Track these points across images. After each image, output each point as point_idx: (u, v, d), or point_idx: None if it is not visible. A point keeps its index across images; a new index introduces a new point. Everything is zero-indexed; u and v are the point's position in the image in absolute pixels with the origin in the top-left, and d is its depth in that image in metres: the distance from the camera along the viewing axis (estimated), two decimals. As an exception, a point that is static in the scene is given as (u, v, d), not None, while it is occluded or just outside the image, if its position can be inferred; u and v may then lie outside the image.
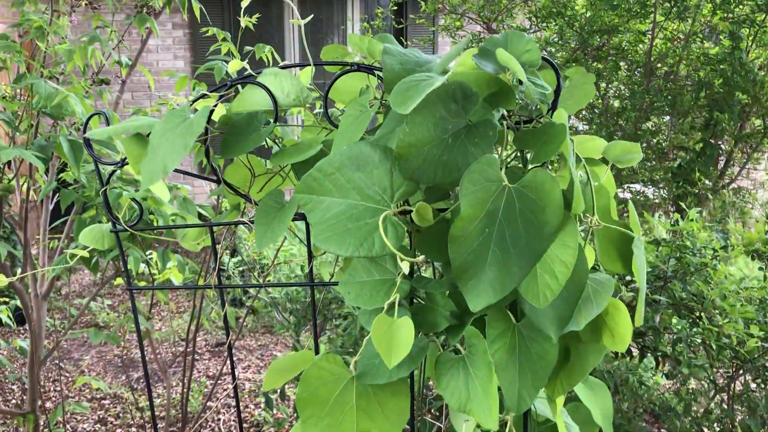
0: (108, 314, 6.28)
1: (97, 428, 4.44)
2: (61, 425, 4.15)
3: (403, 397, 1.01)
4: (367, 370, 0.99)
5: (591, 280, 0.96)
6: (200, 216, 2.34)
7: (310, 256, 1.23)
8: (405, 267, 0.87)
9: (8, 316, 3.27)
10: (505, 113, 1.02)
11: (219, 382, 5.10)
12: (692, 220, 2.01)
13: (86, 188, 2.73)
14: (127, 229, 1.29)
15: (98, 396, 4.95)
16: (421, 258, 0.88)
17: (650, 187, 4.47)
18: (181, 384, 2.64)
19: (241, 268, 7.00)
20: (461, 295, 1.03)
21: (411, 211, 0.95)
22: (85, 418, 4.57)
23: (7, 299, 3.21)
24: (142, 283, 3.36)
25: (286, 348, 5.85)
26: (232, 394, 4.94)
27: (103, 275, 3.13)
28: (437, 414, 2.06)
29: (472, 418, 1.05)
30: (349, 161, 0.96)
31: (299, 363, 1.07)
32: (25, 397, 4.85)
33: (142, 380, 5.22)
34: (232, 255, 7.88)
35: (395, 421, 1.01)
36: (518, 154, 1.04)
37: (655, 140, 4.43)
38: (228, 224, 1.26)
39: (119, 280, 3.40)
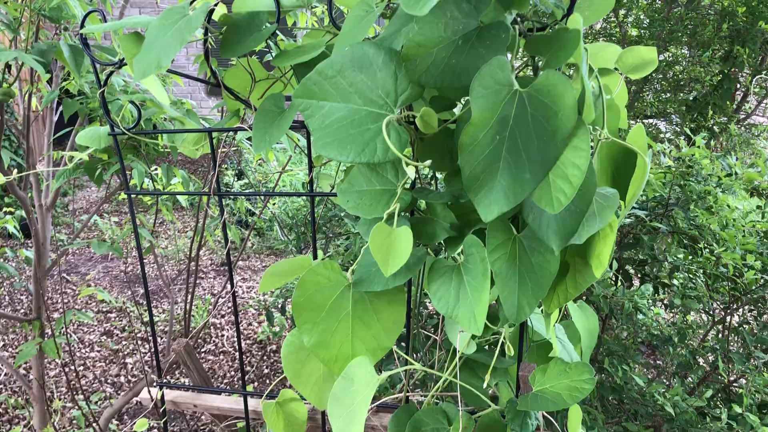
0: (113, 231, 6.33)
1: (102, 339, 4.54)
2: (65, 333, 4.25)
3: (399, 307, 1.01)
4: (363, 278, 0.99)
5: (597, 195, 0.93)
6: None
7: (311, 167, 1.21)
8: (410, 171, 0.84)
9: (14, 227, 3.29)
10: (518, 18, 0.97)
11: (222, 299, 5.18)
12: (698, 146, 1.96)
13: (89, 99, 2.69)
14: (125, 132, 1.26)
15: (104, 309, 5.05)
16: (427, 163, 0.86)
17: (663, 120, 4.38)
18: (184, 301, 2.68)
19: (247, 191, 7.01)
20: (461, 207, 1.02)
21: (414, 117, 0.92)
22: (92, 329, 4.68)
23: (12, 209, 3.21)
24: (147, 199, 3.36)
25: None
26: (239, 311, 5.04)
27: (108, 189, 3.12)
28: (433, 330, 2.08)
29: (465, 329, 1.05)
30: (351, 63, 0.92)
31: (296, 268, 1.06)
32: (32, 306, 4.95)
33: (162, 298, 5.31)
34: (239, 177, 7.88)
35: (390, 329, 1.00)
36: (529, 64, 0.99)
37: (671, 72, 4.31)
38: (226, 130, 1.23)
39: (124, 195, 3.40)
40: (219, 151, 1.25)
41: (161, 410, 1.33)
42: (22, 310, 4.94)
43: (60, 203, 7.66)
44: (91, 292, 3.00)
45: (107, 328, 4.70)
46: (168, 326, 4.66)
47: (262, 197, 6.44)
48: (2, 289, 5.20)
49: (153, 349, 1.30)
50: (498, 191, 0.83)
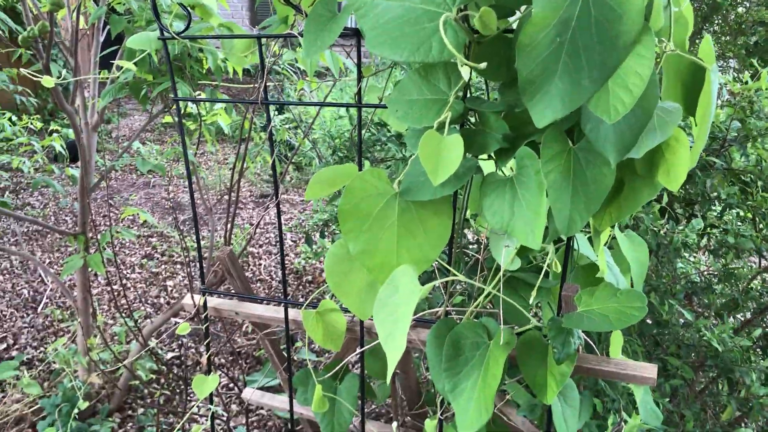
0: (157, 159, 6.42)
1: (143, 262, 4.66)
2: (111, 247, 4.36)
3: (445, 218, 0.99)
4: (411, 187, 0.97)
5: (659, 108, 0.89)
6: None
7: (359, 77, 1.18)
8: (465, 72, 0.81)
9: (61, 145, 3.36)
10: None
11: (261, 229, 5.25)
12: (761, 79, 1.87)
13: (136, 17, 2.68)
14: (174, 36, 1.24)
15: (145, 234, 5.17)
16: (483, 65, 0.83)
17: (720, 61, 4.20)
18: (224, 228, 2.71)
19: (287, 126, 6.99)
20: (515, 118, 0.98)
21: (471, 17, 0.88)
22: (133, 252, 4.80)
23: (59, 128, 3.26)
24: (190, 123, 3.37)
25: (323, 201, 5.94)
26: (273, 242, 5.10)
27: (151, 111, 3.13)
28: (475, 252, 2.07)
29: (512, 245, 1.03)
30: (409, -41, 0.88)
31: (342, 176, 1.05)
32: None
33: (187, 222, 5.40)
34: (279, 112, 7.86)
35: (435, 241, 0.99)
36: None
37: (733, 14, 4.10)
38: (276, 36, 1.21)
39: (168, 118, 3.42)
40: (268, 60, 1.23)
41: (203, 316, 1.36)
42: (67, 229, 5.08)
43: (104, 130, 7.78)
44: (134, 212, 3.06)
45: (148, 252, 4.82)
46: (207, 252, 4.76)
47: (302, 130, 6.43)
48: (47, 209, 5.35)
49: (198, 257, 1.31)
50: (554, 96, 0.80)
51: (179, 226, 5.20)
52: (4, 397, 3.18)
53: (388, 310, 0.95)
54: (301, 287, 4.41)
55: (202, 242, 4.94)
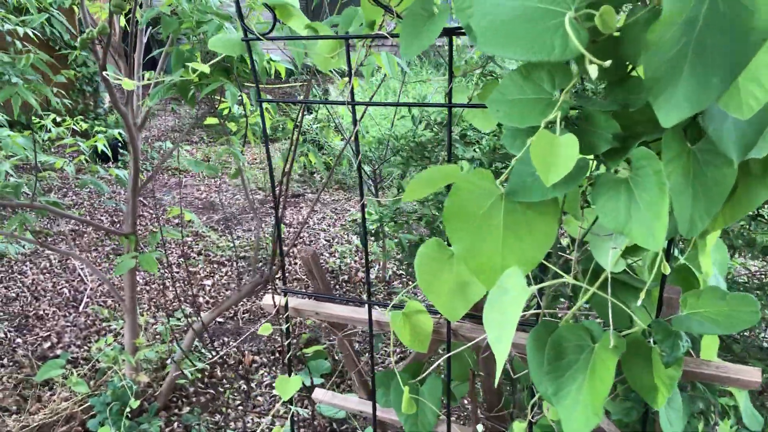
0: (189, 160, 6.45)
1: (180, 261, 4.69)
2: (161, 247, 4.40)
3: (552, 220, 0.98)
4: (518, 188, 0.96)
5: (781, 107, 0.87)
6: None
7: (451, 76, 1.17)
8: (593, 71, 0.80)
9: (104, 145, 3.38)
10: None
11: (294, 229, 5.26)
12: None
13: (184, 18, 2.69)
14: (260, 37, 1.24)
15: (190, 237, 5.20)
16: (608, 63, 0.81)
17: None
18: (259, 229, 2.73)
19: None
20: (626, 117, 0.97)
21: (592, 16, 0.87)
22: (170, 251, 4.83)
23: (104, 129, 3.29)
24: (232, 125, 3.38)
25: (358, 202, 5.94)
26: (307, 242, 5.11)
27: (197, 115, 3.13)
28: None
29: (619, 247, 1.02)
30: (525, -43, 0.87)
31: (444, 176, 1.04)
32: (117, 223, 5.12)
33: (221, 222, 5.43)
34: (309, 112, 7.87)
35: (541, 242, 0.98)
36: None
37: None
38: (365, 36, 1.20)
39: (210, 120, 3.44)
40: (355, 63, 1.22)
41: (284, 316, 1.36)
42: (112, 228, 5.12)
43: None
44: (179, 212, 3.08)
45: (184, 250, 4.85)
46: (248, 252, 4.78)
47: (338, 130, 6.42)
48: (82, 208, 5.40)
49: (279, 255, 1.31)
50: (680, 96, 0.78)
51: (212, 226, 5.23)
52: (52, 395, 3.21)
53: (497, 311, 0.94)
54: (337, 286, 4.41)
55: (237, 242, 4.96)
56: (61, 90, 5.60)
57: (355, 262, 4.77)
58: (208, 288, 4.35)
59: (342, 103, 1.21)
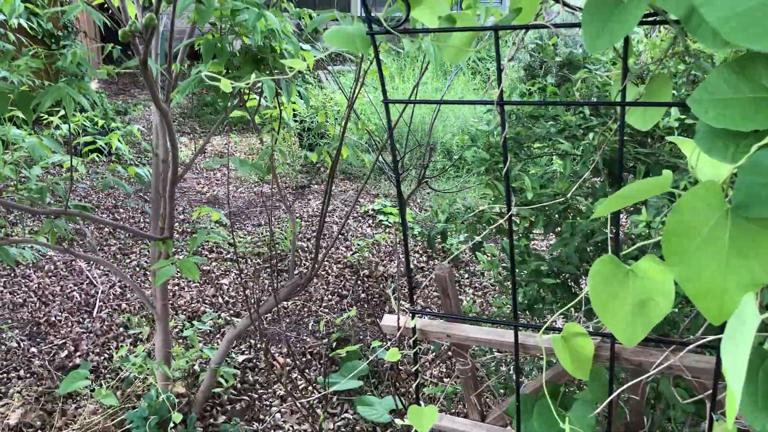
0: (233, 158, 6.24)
1: (210, 256, 4.53)
2: (205, 257, 4.24)
3: (780, 236, 0.86)
4: (750, 202, 0.83)
5: None
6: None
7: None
8: None
9: (118, 139, 3.19)
10: None
11: (306, 222, 5.12)
12: None
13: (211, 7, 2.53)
14: (390, 30, 1.10)
15: (188, 230, 5.02)
16: None
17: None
18: (268, 223, 2.59)
19: (311, 113, 6.79)
20: None
21: None
22: (179, 249, 4.65)
23: (122, 125, 3.10)
24: (258, 120, 3.22)
25: (368, 194, 5.81)
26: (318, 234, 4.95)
27: (224, 117, 2.96)
28: None
29: None
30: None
31: (654, 188, 0.91)
32: (140, 223, 4.92)
33: (229, 218, 5.25)
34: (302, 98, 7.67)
35: (766, 262, 0.86)
36: None
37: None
38: (516, 27, 1.06)
39: (238, 113, 3.26)
40: (509, 54, 1.08)
41: (412, 340, 1.23)
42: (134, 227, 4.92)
43: (121, 120, 7.55)
44: (206, 212, 2.91)
45: (197, 249, 4.67)
46: (262, 248, 4.61)
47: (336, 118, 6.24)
48: (99, 209, 5.17)
49: (407, 277, 1.18)
50: None
51: (222, 223, 5.04)
52: (77, 408, 3.04)
53: (735, 341, 0.82)
54: (359, 281, 4.28)
55: (247, 237, 4.79)
56: (45, 81, 5.35)
57: (373, 255, 4.63)
58: (225, 287, 4.19)
59: (490, 102, 1.08)
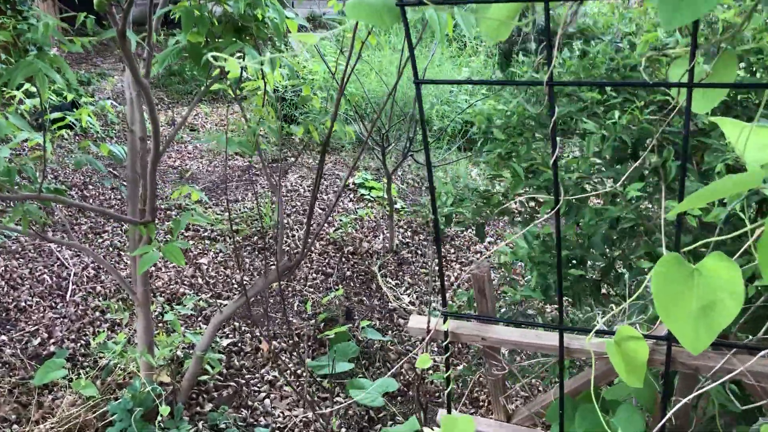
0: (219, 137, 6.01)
1: (167, 239, 4.35)
2: (181, 236, 4.08)
3: None
4: None
5: None
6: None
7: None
8: None
9: (89, 115, 2.99)
10: None
11: (285, 197, 4.97)
12: None
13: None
14: (424, 1, 0.97)
15: (162, 207, 4.83)
16: None
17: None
18: (250, 197, 2.46)
19: (287, 83, 6.58)
20: None
21: None
22: (158, 231, 4.47)
23: (93, 99, 2.90)
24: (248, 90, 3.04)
25: (345, 167, 5.66)
26: (301, 210, 4.83)
27: (206, 89, 2.78)
28: None
29: None
30: None
31: (741, 185, 0.81)
32: (116, 205, 4.71)
33: (204, 192, 5.08)
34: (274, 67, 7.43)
35: None
36: None
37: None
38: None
39: (219, 86, 3.09)
40: (560, 30, 0.96)
41: (445, 343, 1.12)
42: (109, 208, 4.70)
43: (85, 91, 7.23)
44: (186, 191, 2.77)
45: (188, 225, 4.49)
46: (234, 224, 4.45)
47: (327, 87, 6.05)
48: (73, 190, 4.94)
49: (439, 279, 1.06)
50: None
51: (214, 198, 4.86)
52: (55, 399, 2.90)
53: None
54: (344, 259, 4.17)
55: (225, 214, 4.64)
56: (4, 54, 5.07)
57: (357, 231, 4.52)
58: (204, 267, 4.04)
59: (539, 83, 0.96)
